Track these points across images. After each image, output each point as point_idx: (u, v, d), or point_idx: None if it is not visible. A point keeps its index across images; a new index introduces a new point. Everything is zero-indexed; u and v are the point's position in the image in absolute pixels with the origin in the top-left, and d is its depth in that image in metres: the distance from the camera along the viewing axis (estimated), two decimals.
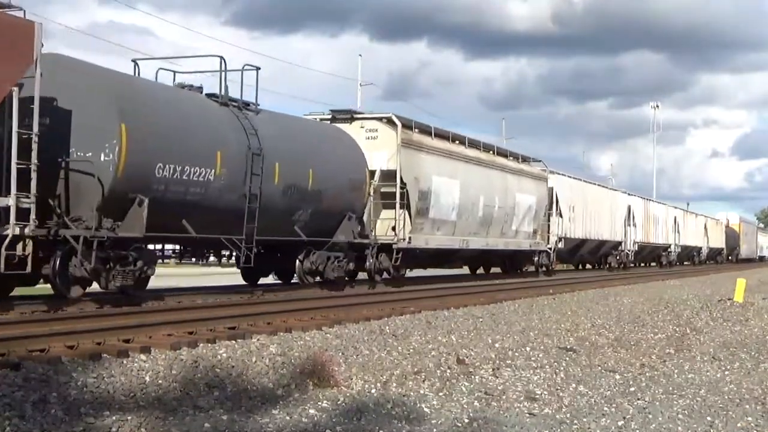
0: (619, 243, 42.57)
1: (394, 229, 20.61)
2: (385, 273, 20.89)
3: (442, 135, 24.27)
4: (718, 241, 71.16)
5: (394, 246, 20.47)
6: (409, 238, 20.96)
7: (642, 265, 52.42)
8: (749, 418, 8.64)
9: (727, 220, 78.17)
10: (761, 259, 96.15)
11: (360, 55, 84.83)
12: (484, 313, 15.60)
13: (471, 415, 8.14)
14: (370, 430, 7.26)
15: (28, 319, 10.90)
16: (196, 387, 8.05)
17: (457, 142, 25.33)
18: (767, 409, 9.18)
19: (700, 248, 64.32)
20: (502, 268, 31.40)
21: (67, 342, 9.26)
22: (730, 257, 78.16)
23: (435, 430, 7.53)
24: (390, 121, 21.41)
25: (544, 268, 32.14)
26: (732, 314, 18.84)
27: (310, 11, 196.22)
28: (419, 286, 22.21)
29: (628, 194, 46.64)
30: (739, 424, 8.38)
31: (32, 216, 11.56)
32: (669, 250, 54.68)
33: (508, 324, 14.28)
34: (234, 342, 10.10)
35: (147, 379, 8.04)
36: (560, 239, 33.14)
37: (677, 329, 16.01)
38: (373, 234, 20.35)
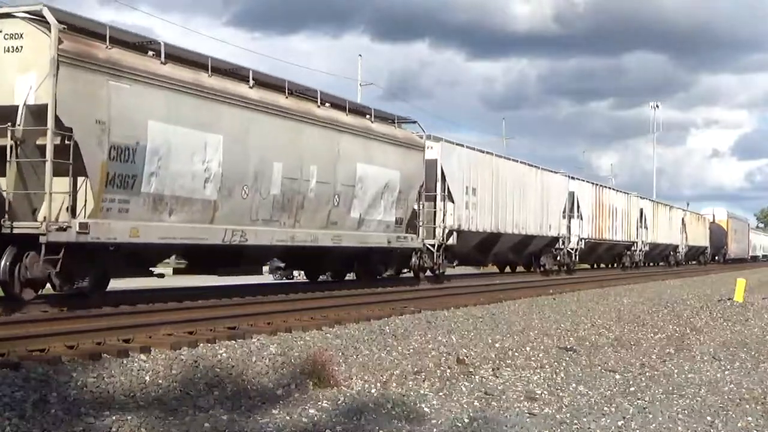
0: (556, 239, 33.47)
1: (70, 210, 12.13)
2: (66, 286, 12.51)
3: (186, 59, 14.72)
4: (701, 239, 62.65)
5: (42, 240, 11.71)
6: (85, 224, 12.16)
7: (600, 266, 44.34)
8: (749, 418, 8.63)
9: (713, 216, 70.23)
10: (754, 259, 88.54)
11: (360, 55, 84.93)
12: (484, 313, 15.59)
13: (471, 415, 8.14)
14: (370, 430, 7.26)
15: (28, 319, 10.89)
16: (196, 387, 8.05)
17: (242, 79, 15.97)
18: (767, 409, 9.18)
19: (677, 246, 56.23)
20: (357, 273, 21.90)
21: (67, 342, 9.27)
22: (716, 257, 69.92)
23: (435, 430, 7.53)
24: (43, 21, 12.04)
25: (428, 273, 23.95)
26: (732, 314, 18.85)
27: (312, 12, 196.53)
28: (418, 285, 22.20)
29: (571, 178, 36.69)
30: (739, 424, 8.38)
31: None
32: (633, 248, 45.57)
33: (508, 324, 14.27)
34: (234, 342, 10.09)
35: (147, 379, 8.04)
36: (453, 232, 24.36)
37: (677, 329, 16.01)
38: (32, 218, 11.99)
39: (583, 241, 36.36)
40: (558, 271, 33.33)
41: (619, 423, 8.16)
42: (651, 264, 52.00)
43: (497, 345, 12.11)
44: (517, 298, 19.41)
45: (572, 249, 35.26)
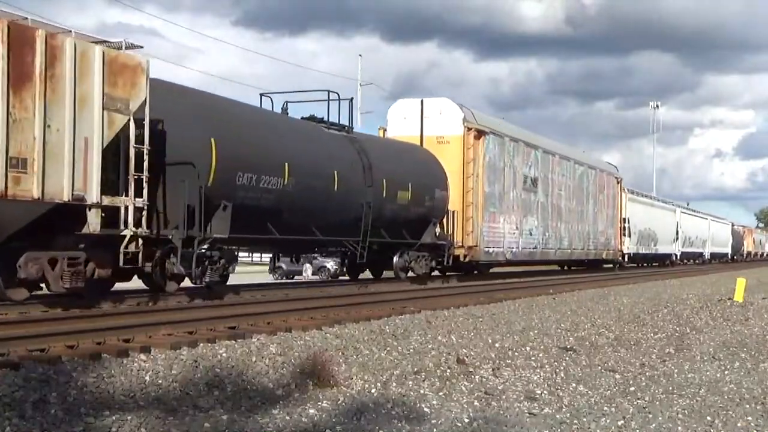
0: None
1: None
2: None
3: None
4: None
5: None
6: None
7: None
8: (749, 418, 8.63)
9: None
10: (646, 263, 47.60)
11: (360, 55, 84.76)
12: (484, 313, 15.58)
13: (471, 415, 8.14)
14: (370, 430, 7.26)
15: (28, 319, 10.89)
16: (196, 387, 8.05)
17: None
18: (767, 409, 9.18)
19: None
20: None
21: (67, 342, 9.26)
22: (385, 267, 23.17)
23: (435, 430, 7.53)
24: None
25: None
26: (732, 314, 18.84)
27: (322, 12, 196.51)
28: (419, 285, 22.19)
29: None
30: (739, 424, 8.38)
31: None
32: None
33: (508, 324, 14.27)
34: (234, 342, 10.09)
35: (147, 379, 8.04)
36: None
37: (677, 329, 16.00)
38: None
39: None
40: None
41: (619, 423, 8.16)
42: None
43: (497, 345, 12.10)
44: (517, 298, 19.41)
45: None
